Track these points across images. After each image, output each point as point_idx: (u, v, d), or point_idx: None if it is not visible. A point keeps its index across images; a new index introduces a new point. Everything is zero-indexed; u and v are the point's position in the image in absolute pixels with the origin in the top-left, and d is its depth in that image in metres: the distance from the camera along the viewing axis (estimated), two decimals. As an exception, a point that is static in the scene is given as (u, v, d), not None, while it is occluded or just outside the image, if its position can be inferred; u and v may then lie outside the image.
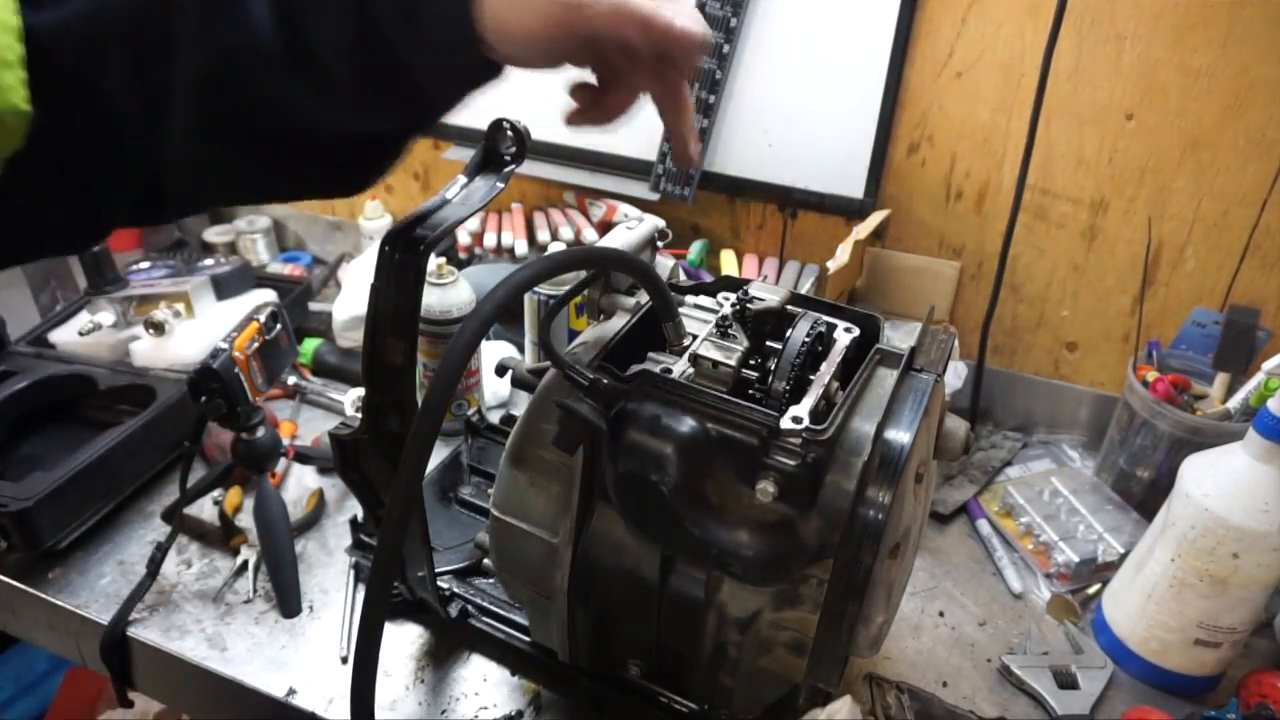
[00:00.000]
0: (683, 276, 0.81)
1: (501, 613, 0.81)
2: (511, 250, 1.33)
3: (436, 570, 0.83)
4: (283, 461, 1.04)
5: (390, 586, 0.57)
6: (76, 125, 0.42)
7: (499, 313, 0.52)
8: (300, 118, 0.48)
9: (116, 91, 0.42)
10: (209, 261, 1.50)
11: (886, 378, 0.61)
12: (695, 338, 0.64)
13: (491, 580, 0.85)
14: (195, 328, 1.16)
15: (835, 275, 1.04)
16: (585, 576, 0.65)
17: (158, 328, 1.12)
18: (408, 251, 0.59)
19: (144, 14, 0.42)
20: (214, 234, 1.59)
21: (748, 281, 0.70)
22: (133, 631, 0.84)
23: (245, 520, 0.95)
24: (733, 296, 0.69)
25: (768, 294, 0.67)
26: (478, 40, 0.45)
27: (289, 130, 0.49)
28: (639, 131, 1.26)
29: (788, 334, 0.62)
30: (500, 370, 0.75)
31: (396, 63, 0.45)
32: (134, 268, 1.29)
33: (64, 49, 0.40)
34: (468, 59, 0.46)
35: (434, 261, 1.04)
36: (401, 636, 0.84)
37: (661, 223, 0.80)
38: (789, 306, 0.68)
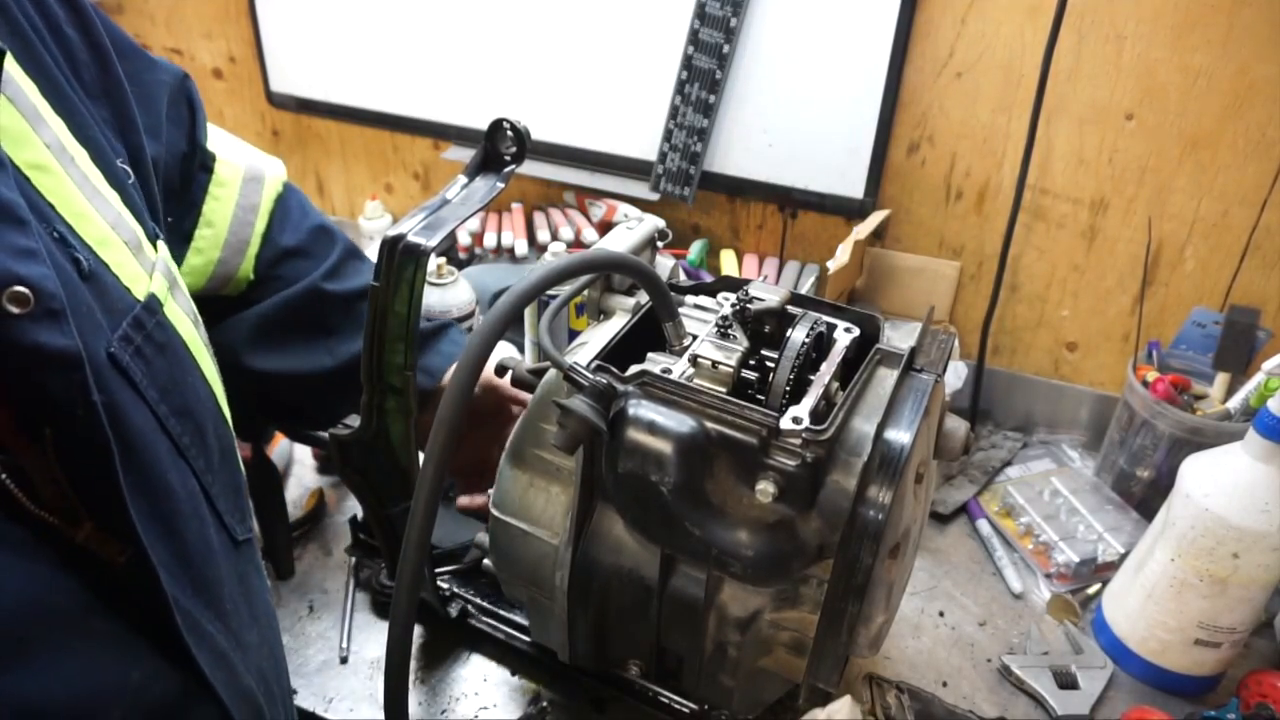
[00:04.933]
0: (683, 276, 0.81)
1: (501, 613, 0.81)
2: (512, 250, 1.33)
3: (436, 570, 0.83)
4: (283, 445, 1.04)
5: (415, 605, 0.56)
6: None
7: (500, 331, 0.52)
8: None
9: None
10: (209, 261, 1.49)
11: (886, 378, 0.61)
12: (695, 338, 0.64)
13: (491, 580, 0.85)
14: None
15: (835, 275, 1.04)
16: (585, 576, 0.65)
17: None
18: (408, 252, 0.59)
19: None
20: (214, 234, 1.59)
21: (748, 281, 0.70)
22: (133, 631, 0.84)
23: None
24: (733, 296, 0.68)
25: (768, 294, 0.67)
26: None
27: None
28: (639, 131, 1.26)
29: (788, 334, 0.62)
30: (500, 370, 0.75)
31: None
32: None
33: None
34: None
35: (434, 261, 1.04)
36: (401, 636, 0.84)
37: (661, 223, 0.80)
38: (789, 306, 0.68)
